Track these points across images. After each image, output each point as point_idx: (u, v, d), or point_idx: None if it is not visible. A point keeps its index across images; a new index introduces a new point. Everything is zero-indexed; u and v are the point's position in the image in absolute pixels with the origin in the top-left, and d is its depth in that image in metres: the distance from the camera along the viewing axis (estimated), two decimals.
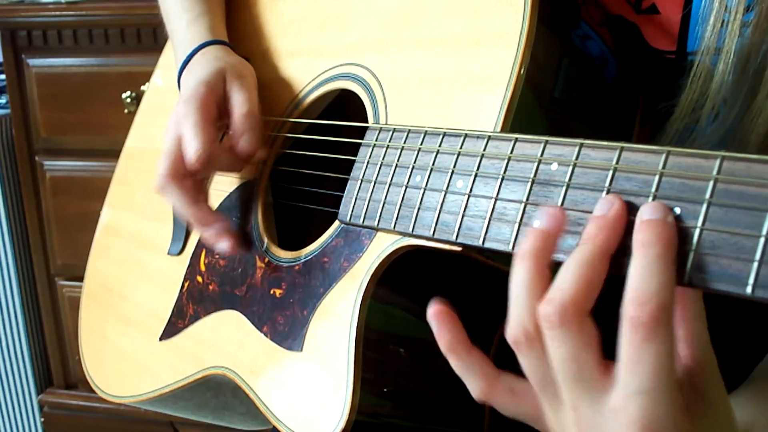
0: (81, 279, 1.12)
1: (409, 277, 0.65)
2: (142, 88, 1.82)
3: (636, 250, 0.43)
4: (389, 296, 0.65)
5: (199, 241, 0.89)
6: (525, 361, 0.47)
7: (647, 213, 0.43)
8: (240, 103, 0.80)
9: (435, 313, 0.52)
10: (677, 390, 0.42)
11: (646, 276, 0.42)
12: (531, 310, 0.46)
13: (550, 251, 0.46)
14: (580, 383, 0.45)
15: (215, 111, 0.80)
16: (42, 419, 2.21)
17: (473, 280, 0.65)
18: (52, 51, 1.90)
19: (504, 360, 0.67)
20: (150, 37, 1.81)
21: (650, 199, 0.44)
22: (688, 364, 0.46)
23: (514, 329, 0.47)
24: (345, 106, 0.82)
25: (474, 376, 0.50)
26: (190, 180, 0.81)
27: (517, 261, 0.47)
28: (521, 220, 0.51)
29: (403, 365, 0.67)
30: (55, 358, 2.16)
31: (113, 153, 1.19)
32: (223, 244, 0.80)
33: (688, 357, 0.46)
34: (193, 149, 0.76)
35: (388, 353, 0.66)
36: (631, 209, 0.45)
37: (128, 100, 1.84)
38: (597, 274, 0.44)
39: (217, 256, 0.85)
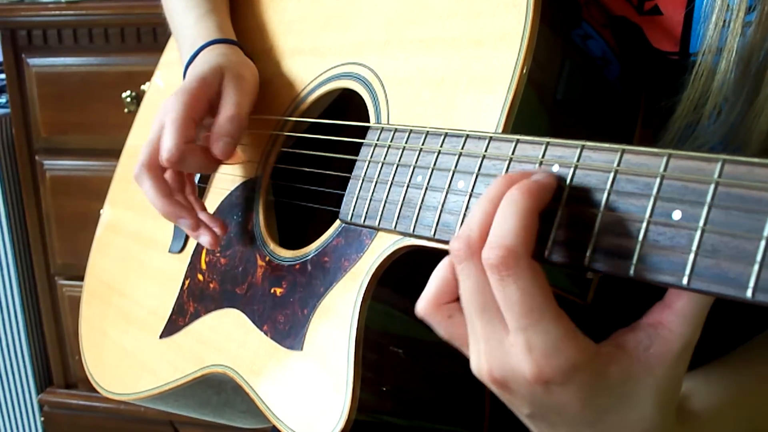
0: (81, 278, 1.12)
1: (409, 278, 0.66)
2: (142, 87, 1.82)
3: (504, 199, 0.47)
4: (390, 296, 0.65)
5: None
6: (469, 285, 0.49)
7: (534, 175, 0.48)
8: (228, 106, 0.79)
9: None
10: (558, 321, 0.46)
11: (499, 221, 0.47)
12: (475, 239, 0.49)
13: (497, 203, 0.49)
14: (485, 316, 0.48)
15: (203, 107, 0.80)
16: (42, 419, 2.21)
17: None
18: (52, 50, 1.90)
19: None
20: (150, 36, 1.81)
21: (651, 201, 0.44)
22: (661, 333, 0.47)
23: (455, 242, 0.50)
24: (347, 106, 0.82)
25: (434, 290, 0.52)
26: (169, 172, 0.81)
27: (494, 182, 0.50)
28: None
29: (402, 365, 0.67)
30: (55, 357, 2.16)
31: (113, 152, 1.19)
32: (204, 238, 0.80)
33: (666, 328, 0.47)
34: (166, 146, 0.76)
35: (388, 353, 0.66)
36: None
37: (128, 99, 1.84)
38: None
39: (218, 254, 0.85)
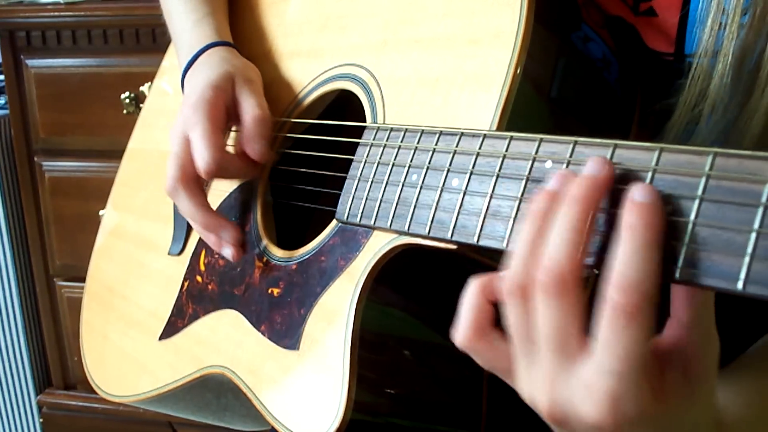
0: (80, 280, 1.12)
1: (405, 277, 0.66)
2: (141, 88, 1.82)
3: (624, 231, 0.43)
4: (386, 295, 0.65)
5: (199, 241, 0.90)
6: (512, 313, 0.48)
7: (638, 195, 0.43)
8: (252, 107, 0.80)
9: None
10: (648, 374, 0.44)
11: (634, 263, 0.42)
12: (530, 268, 0.46)
13: (554, 212, 0.47)
14: (562, 351, 0.46)
15: (224, 116, 0.80)
16: (41, 420, 2.21)
17: (469, 278, 0.65)
18: (50, 52, 1.90)
19: None
20: (149, 37, 1.81)
21: None
22: (684, 348, 0.46)
23: (511, 281, 0.47)
24: (346, 107, 0.82)
25: (471, 320, 0.51)
26: (198, 184, 0.81)
27: (524, 220, 0.48)
28: (516, 217, 0.52)
29: (400, 364, 0.67)
30: (54, 358, 2.16)
31: (112, 153, 1.19)
32: (228, 251, 0.80)
33: (686, 341, 0.46)
34: (202, 159, 0.76)
35: (385, 352, 0.66)
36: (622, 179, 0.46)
37: (127, 100, 1.84)
38: (585, 239, 0.44)
39: (216, 256, 0.85)
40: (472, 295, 0.50)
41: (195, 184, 0.80)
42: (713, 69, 0.58)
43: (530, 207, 0.48)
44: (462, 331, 0.51)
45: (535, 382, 0.48)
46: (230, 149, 0.84)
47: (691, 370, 0.46)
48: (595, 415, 0.44)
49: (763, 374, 0.63)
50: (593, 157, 0.46)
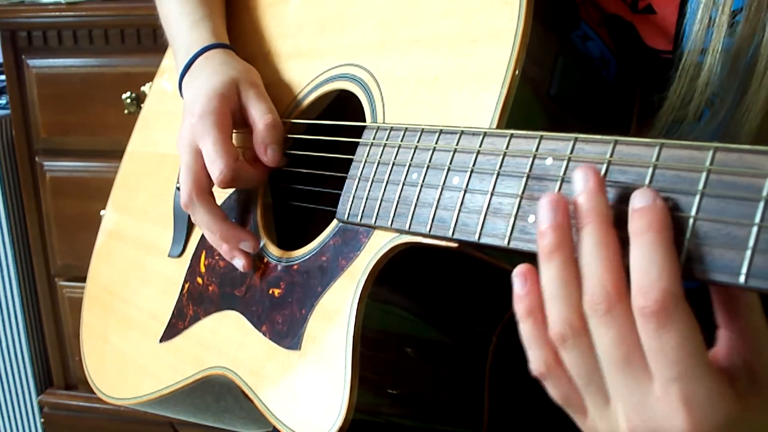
0: (81, 279, 1.12)
1: (407, 276, 0.66)
2: (142, 88, 1.82)
3: (632, 240, 0.43)
4: (387, 294, 0.65)
5: (199, 242, 0.89)
6: (572, 357, 0.46)
7: (637, 201, 0.43)
8: (262, 113, 0.80)
9: (521, 272, 0.49)
10: (713, 369, 0.42)
11: (644, 265, 0.42)
12: (572, 304, 0.46)
13: (571, 241, 0.46)
14: (628, 369, 0.44)
15: (231, 123, 0.80)
16: (42, 420, 2.21)
17: (470, 277, 0.65)
18: (52, 51, 1.90)
19: (504, 355, 0.68)
20: (150, 37, 1.81)
21: None
22: (742, 356, 0.45)
23: (559, 326, 0.46)
24: (345, 107, 0.82)
25: (544, 347, 0.48)
26: (212, 194, 0.80)
27: (543, 261, 0.47)
28: (517, 214, 0.52)
29: (401, 363, 0.67)
30: (55, 358, 2.16)
31: (113, 153, 1.19)
32: (240, 261, 0.79)
33: (742, 348, 0.45)
34: (218, 169, 0.75)
35: (387, 351, 0.66)
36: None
37: (128, 100, 1.84)
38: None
39: (217, 257, 0.85)
40: (532, 331, 0.48)
41: (210, 195, 0.80)
42: (702, 63, 0.58)
43: (543, 246, 0.47)
44: (540, 356, 0.49)
45: (612, 417, 0.46)
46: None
47: (756, 375, 0.45)
48: (678, 424, 0.43)
49: None
50: (577, 171, 0.46)
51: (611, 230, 0.44)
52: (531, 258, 0.50)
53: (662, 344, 0.42)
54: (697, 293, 0.45)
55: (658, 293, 0.41)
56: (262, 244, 0.79)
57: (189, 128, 0.79)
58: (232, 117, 0.80)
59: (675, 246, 0.42)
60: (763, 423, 0.46)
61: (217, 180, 0.76)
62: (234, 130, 0.81)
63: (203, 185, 0.79)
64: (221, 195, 0.88)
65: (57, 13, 1.85)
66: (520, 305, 0.49)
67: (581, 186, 0.46)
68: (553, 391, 0.49)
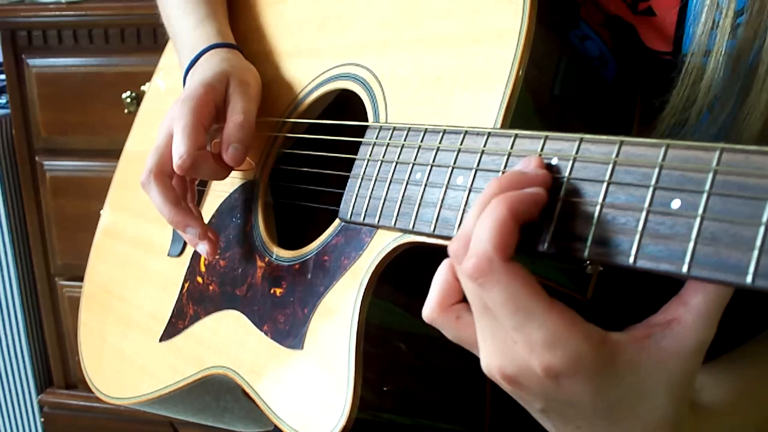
0: (81, 279, 1.12)
1: (410, 275, 0.65)
2: (142, 88, 1.82)
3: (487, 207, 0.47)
4: (390, 294, 0.65)
5: None
6: (466, 291, 0.50)
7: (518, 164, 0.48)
8: (237, 111, 0.79)
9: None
10: (555, 314, 0.46)
11: (477, 232, 0.47)
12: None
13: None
14: (485, 316, 0.49)
15: (211, 114, 0.79)
16: (42, 419, 2.21)
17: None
18: (52, 51, 1.90)
19: None
20: (150, 37, 1.81)
21: (650, 191, 0.45)
22: (674, 328, 0.47)
23: (467, 271, 0.49)
24: (346, 106, 0.82)
25: (439, 293, 0.53)
26: (176, 179, 0.80)
27: (486, 187, 0.50)
28: None
29: (404, 363, 0.67)
30: (55, 358, 2.16)
31: (113, 153, 1.19)
32: (202, 247, 0.79)
33: (680, 324, 0.47)
34: (178, 153, 0.75)
35: (390, 351, 0.66)
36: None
37: (128, 100, 1.84)
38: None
39: (217, 257, 0.85)
40: (442, 269, 0.52)
41: (168, 178, 0.79)
42: (706, 66, 0.58)
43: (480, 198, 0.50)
44: (428, 305, 0.53)
45: (484, 351, 0.50)
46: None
47: (663, 348, 0.47)
48: (534, 365, 0.46)
49: (749, 362, 0.63)
50: (525, 162, 0.51)
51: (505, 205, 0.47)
52: (533, 257, 0.50)
53: (491, 301, 0.47)
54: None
55: (474, 257, 0.46)
56: (265, 246, 0.79)
57: (170, 111, 0.79)
58: (215, 109, 0.80)
59: (511, 217, 0.46)
60: (635, 388, 0.47)
61: (175, 164, 0.76)
62: (215, 124, 0.81)
63: (164, 167, 0.78)
64: (221, 194, 0.88)
65: (57, 13, 1.86)
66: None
67: (522, 165, 0.50)
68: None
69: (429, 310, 0.53)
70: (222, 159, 0.78)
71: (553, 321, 0.46)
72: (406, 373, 0.67)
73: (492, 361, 0.49)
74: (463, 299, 0.51)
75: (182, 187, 0.82)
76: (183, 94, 0.80)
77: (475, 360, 0.52)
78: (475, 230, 0.47)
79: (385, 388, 0.65)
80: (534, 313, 0.46)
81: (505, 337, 0.48)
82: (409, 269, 0.65)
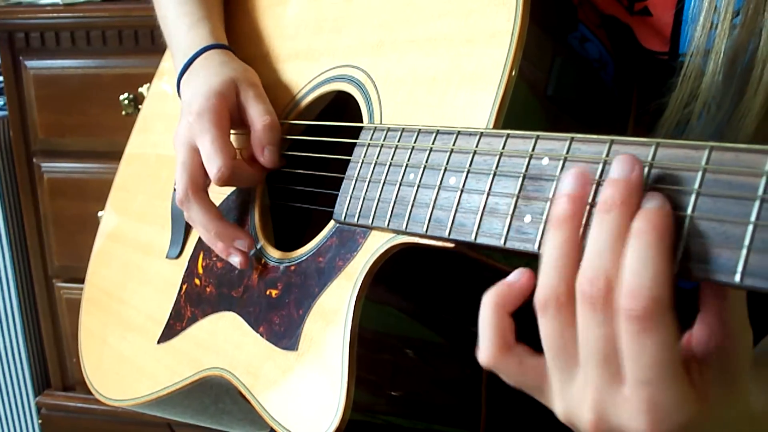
0: (79, 281, 1.12)
1: (404, 276, 0.66)
2: (140, 89, 1.82)
3: (633, 238, 0.43)
4: (384, 295, 0.65)
5: (197, 244, 0.89)
6: (547, 326, 0.47)
7: (649, 202, 0.43)
8: (260, 114, 0.80)
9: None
10: (684, 377, 0.43)
11: (638, 267, 0.42)
12: (565, 277, 0.45)
13: (582, 216, 0.46)
14: (605, 364, 0.45)
15: (229, 122, 0.80)
16: (39, 421, 2.21)
17: (467, 278, 0.65)
18: (49, 53, 1.90)
19: None
20: (147, 39, 1.81)
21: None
22: (720, 344, 0.45)
23: (545, 292, 0.46)
24: (343, 108, 0.82)
25: (494, 336, 0.49)
26: (207, 193, 0.80)
27: (552, 227, 0.46)
28: (513, 214, 0.52)
29: (398, 364, 0.67)
30: (52, 359, 2.16)
31: (111, 155, 1.19)
32: (237, 259, 0.78)
33: (720, 335, 0.45)
34: (216, 166, 0.75)
35: (384, 352, 0.66)
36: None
37: (126, 101, 1.84)
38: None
39: (214, 258, 0.85)
40: (489, 309, 0.49)
41: (206, 193, 0.80)
42: (705, 67, 0.58)
43: (555, 213, 0.46)
44: (486, 350, 0.49)
45: (576, 398, 0.47)
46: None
47: (730, 366, 0.45)
48: (641, 427, 0.44)
49: None
50: (622, 157, 0.45)
51: (629, 227, 0.44)
52: (527, 258, 0.50)
53: (640, 348, 0.42)
54: (693, 293, 0.45)
55: (647, 300, 0.41)
56: (259, 246, 0.79)
57: (186, 126, 0.79)
58: (230, 116, 0.80)
59: (673, 254, 0.42)
60: (723, 418, 0.46)
61: (214, 178, 0.76)
62: (232, 130, 0.81)
63: (199, 183, 0.79)
64: (218, 196, 0.88)
65: (54, 14, 1.85)
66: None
67: (621, 173, 0.45)
68: None
69: (487, 356, 0.49)
70: (255, 163, 0.79)
71: (682, 384, 0.43)
72: (403, 376, 0.67)
73: (582, 412, 0.46)
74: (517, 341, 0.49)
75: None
76: (195, 106, 0.79)
77: (472, 363, 0.52)
78: (636, 268, 0.42)
79: (381, 390, 0.66)
80: (674, 371, 0.43)
81: (614, 393, 0.45)
82: (406, 272, 0.65)
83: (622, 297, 0.42)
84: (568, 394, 0.47)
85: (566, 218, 0.46)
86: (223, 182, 0.76)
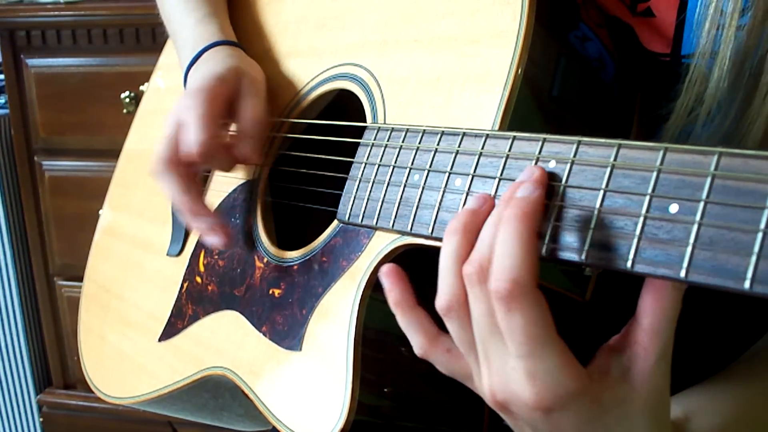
0: (80, 279, 1.12)
1: (410, 278, 0.65)
2: (141, 88, 1.82)
3: (501, 224, 0.47)
4: None
5: (198, 241, 0.89)
6: (454, 327, 0.51)
7: (519, 190, 0.48)
8: (252, 107, 0.79)
9: (386, 272, 0.56)
10: (559, 352, 0.47)
11: (502, 251, 0.46)
12: (460, 278, 0.50)
13: (478, 227, 0.50)
14: (492, 338, 0.49)
15: (223, 107, 0.79)
16: (41, 419, 2.21)
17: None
18: (50, 51, 1.90)
19: None
20: (148, 37, 1.81)
21: (648, 195, 0.44)
22: (635, 350, 0.48)
23: (446, 297, 0.51)
24: (345, 107, 0.82)
25: (417, 333, 0.54)
26: (185, 168, 0.78)
27: (447, 236, 0.51)
28: None
29: (402, 364, 0.67)
30: (53, 358, 2.16)
31: (112, 153, 1.19)
32: (215, 238, 0.77)
33: (639, 343, 0.48)
34: (195, 139, 0.75)
35: (388, 352, 0.66)
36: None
37: (127, 100, 1.84)
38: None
39: (216, 257, 0.85)
40: (398, 311, 0.55)
41: (184, 168, 0.77)
42: (710, 72, 0.58)
43: (450, 224, 0.51)
44: (417, 342, 0.55)
45: (480, 373, 0.51)
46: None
47: (638, 364, 0.48)
48: (527, 395, 0.47)
49: (747, 381, 0.63)
50: (528, 173, 0.50)
51: (520, 223, 0.48)
52: None
53: (509, 325, 0.46)
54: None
55: (508, 282, 0.46)
56: (264, 246, 0.79)
57: (179, 102, 0.78)
58: (227, 104, 0.79)
59: (536, 237, 0.46)
60: (615, 414, 0.49)
61: (191, 150, 0.75)
62: (223, 120, 0.81)
63: (176, 156, 0.77)
64: (220, 194, 0.88)
65: (56, 13, 1.85)
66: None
67: (524, 176, 0.50)
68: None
69: (419, 347, 0.54)
70: (233, 152, 0.79)
71: (557, 356, 0.47)
72: (405, 376, 0.67)
73: (486, 383, 0.50)
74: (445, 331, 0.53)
75: (190, 179, 0.80)
76: (194, 85, 0.79)
77: None
78: (502, 252, 0.47)
79: (384, 390, 0.65)
80: (544, 344, 0.47)
81: (504, 363, 0.49)
82: (410, 272, 0.65)
83: (490, 279, 0.47)
84: (481, 377, 0.51)
85: (461, 227, 0.50)
86: (199, 154, 0.74)
